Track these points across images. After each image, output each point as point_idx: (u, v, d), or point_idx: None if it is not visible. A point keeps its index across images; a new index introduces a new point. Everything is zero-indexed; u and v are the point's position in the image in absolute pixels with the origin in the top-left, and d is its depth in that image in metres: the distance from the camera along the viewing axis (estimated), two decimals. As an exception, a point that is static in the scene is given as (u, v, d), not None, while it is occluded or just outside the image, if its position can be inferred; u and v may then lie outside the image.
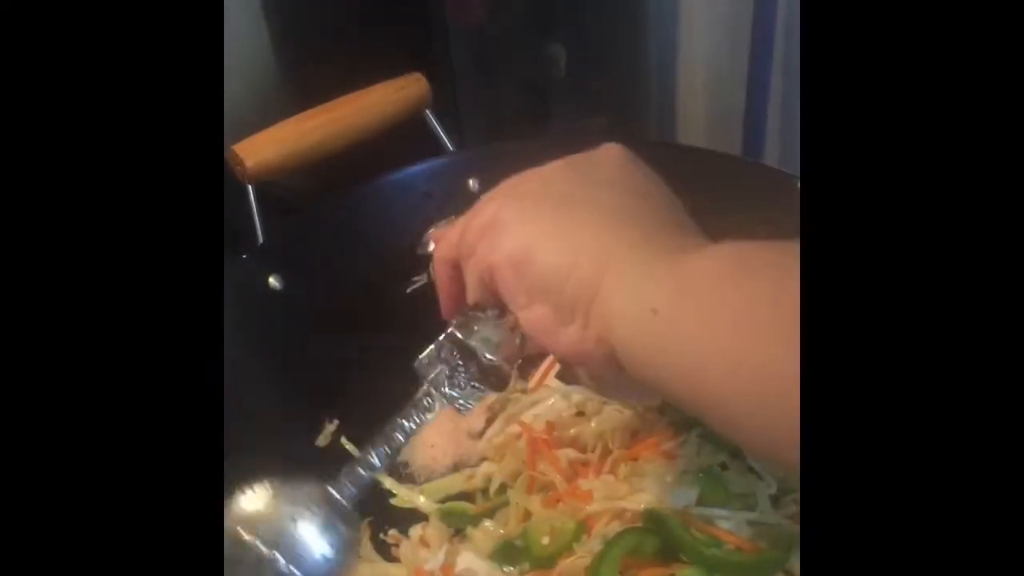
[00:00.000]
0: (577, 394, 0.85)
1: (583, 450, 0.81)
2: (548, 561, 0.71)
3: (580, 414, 0.84)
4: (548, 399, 0.86)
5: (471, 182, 1.00)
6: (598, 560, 0.65)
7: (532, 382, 0.92)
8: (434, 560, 0.76)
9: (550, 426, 0.83)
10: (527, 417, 0.85)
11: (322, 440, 0.88)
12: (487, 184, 0.99)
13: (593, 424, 0.82)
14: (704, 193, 0.96)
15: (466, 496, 0.85)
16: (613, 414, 0.82)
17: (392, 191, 0.99)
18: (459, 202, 0.99)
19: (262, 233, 0.97)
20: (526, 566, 0.73)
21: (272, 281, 0.87)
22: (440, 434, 0.91)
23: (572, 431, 0.82)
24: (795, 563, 0.67)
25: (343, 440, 0.88)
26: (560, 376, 0.90)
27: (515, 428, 0.85)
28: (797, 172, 0.92)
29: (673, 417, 0.79)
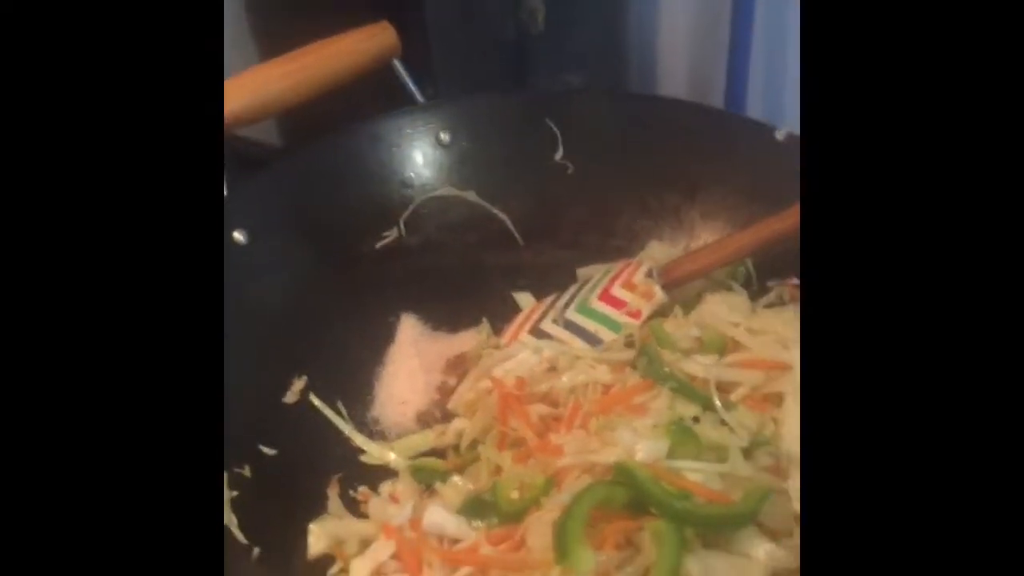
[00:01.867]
0: (548, 349, 0.83)
1: (555, 405, 0.80)
2: (516, 515, 0.70)
3: (552, 369, 0.83)
4: (519, 354, 0.84)
5: (442, 135, 0.98)
6: (566, 514, 0.64)
7: (505, 337, 0.91)
8: (402, 514, 0.74)
9: (521, 382, 0.81)
10: (498, 372, 0.83)
11: (290, 397, 0.86)
12: (458, 137, 0.98)
13: (565, 379, 0.81)
14: (682, 144, 0.96)
15: (437, 452, 0.84)
16: (585, 368, 0.81)
17: (361, 143, 0.96)
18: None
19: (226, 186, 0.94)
20: (494, 520, 0.71)
21: (236, 236, 0.84)
22: (412, 391, 0.90)
23: (544, 386, 0.81)
24: (766, 515, 0.66)
25: (312, 396, 0.86)
26: (533, 332, 0.89)
27: (486, 384, 0.84)
28: (780, 124, 0.91)
29: (645, 371, 0.77)
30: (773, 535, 0.66)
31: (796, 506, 0.66)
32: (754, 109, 1.29)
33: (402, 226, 0.97)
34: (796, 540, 0.65)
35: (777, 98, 1.30)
